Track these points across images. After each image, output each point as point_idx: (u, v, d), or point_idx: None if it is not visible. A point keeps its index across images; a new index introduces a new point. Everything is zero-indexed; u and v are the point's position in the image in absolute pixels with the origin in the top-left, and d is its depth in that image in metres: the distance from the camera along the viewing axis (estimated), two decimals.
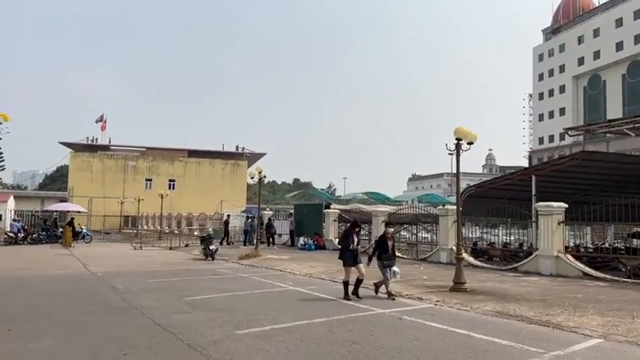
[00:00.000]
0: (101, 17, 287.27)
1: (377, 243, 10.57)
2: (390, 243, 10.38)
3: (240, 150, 67.57)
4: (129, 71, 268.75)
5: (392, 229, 11.31)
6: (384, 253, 10.20)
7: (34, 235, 28.83)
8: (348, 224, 11.10)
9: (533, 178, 19.41)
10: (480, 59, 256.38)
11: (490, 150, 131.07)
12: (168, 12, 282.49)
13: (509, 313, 8.79)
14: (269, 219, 27.46)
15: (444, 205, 20.31)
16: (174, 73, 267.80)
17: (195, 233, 27.37)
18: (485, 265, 16.77)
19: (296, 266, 16.18)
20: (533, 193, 18.92)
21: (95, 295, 10.19)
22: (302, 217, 27.09)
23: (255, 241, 21.62)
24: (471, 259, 17.33)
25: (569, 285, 12.20)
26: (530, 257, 15.36)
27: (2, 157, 33.10)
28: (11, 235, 27.80)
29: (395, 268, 10.33)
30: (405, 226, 26.40)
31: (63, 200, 53.49)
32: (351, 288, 10.08)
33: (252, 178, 20.82)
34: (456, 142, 11.50)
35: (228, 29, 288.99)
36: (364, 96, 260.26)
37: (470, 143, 11.60)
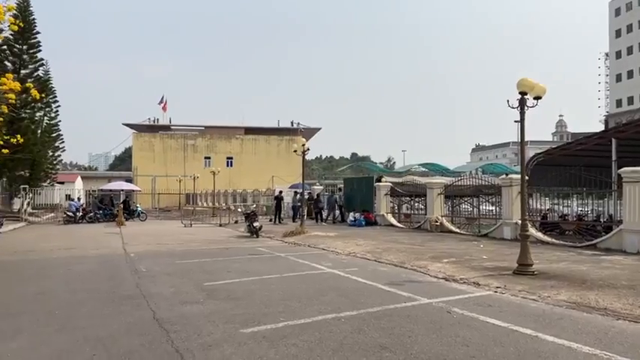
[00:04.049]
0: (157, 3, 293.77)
1: None
2: None
3: (295, 125, 66.81)
4: (187, 52, 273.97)
5: None
6: None
7: (90, 215, 29.36)
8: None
9: (614, 141, 16.94)
10: (548, 16, 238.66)
11: (561, 116, 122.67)
12: None
13: (590, 304, 7.03)
14: (317, 195, 26.24)
15: (507, 175, 18.17)
16: (229, 51, 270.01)
17: (239, 210, 26.62)
18: (557, 242, 14.70)
19: (340, 244, 14.87)
20: (614, 158, 16.51)
21: (111, 279, 9.37)
22: (352, 191, 25.66)
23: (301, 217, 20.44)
24: (540, 235, 15.28)
25: None
26: (613, 232, 13.15)
27: (62, 139, 33.81)
28: (70, 214, 28.44)
29: None
30: (465, 198, 24.44)
31: (128, 180, 54.97)
32: None
33: (294, 151, 19.59)
34: (519, 97, 9.58)
35: (284, 9, 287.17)
36: (425, 66, 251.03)
37: (537, 98, 9.64)
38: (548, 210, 21.30)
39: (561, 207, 22.01)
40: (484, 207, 23.40)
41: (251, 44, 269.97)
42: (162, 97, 66.34)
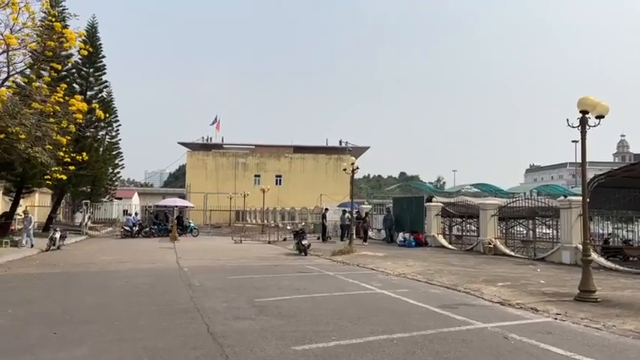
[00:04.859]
0: (207, 21, 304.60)
1: None
2: None
3: (343, 144, 67.20)
4: (239, 72, 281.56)
5: None
6: None
7: (146, 229, 30.49)
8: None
9: None
10: (606, 29, 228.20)
11: (622, 136, 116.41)
12: (273, 11, 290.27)
13: None
14: (366, 213, 26.11)
15: (565, 197, 17.46)
16: (276, 70, 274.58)
17: (288, 227, 26.86)
18: (620, 268, 13.92)
19: (390, 265, 14.69)
20: None
21: (166, 293, 9.67)
22: (401, 211, 25.34)
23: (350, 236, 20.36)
24: (602, 260, 14.54)
25: None
26: None
27: (122, 157, 35.29)
28: (127, 228, 29.70)
29: None
30: (520, 221, 23.61)
31: (181, 196, 56.81)
32: None
33: (344, 170, 19.66)
34: (580, 116, 9.25)
35: (332, 28, 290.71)
36: (479, 84, 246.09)
37: (599, 117, 9.28)
38: (609, 234, 20.22)
39: (624, 231, 20.82)
40: (540, 230, 22.52)
41: (295, 63, 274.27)
42: (216, 118, 68.65)
